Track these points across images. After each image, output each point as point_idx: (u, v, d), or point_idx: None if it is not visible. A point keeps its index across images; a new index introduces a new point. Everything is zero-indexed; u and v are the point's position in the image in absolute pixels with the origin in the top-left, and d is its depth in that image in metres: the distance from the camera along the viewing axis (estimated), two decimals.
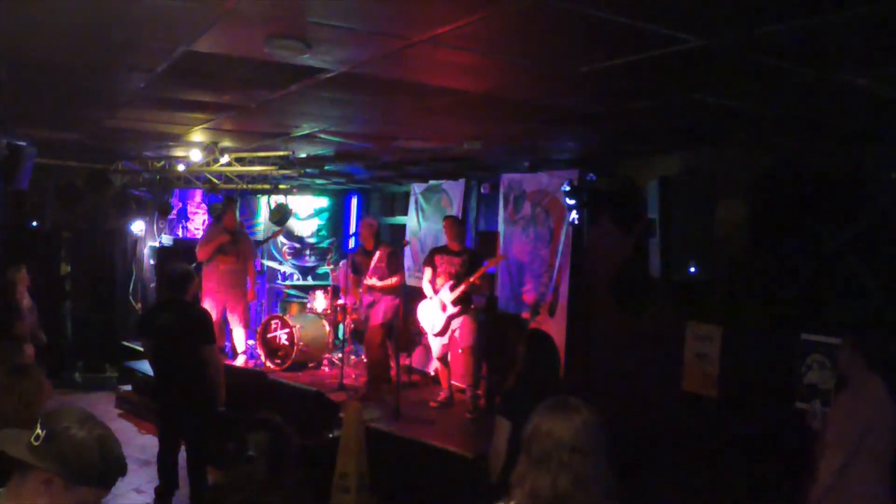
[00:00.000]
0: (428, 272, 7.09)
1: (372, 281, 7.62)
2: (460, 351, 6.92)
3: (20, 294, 6.92)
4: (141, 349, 9.19)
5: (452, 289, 6.81)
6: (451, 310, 6.85)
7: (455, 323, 6.88)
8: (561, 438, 1.94)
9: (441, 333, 6.94)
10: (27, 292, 7.04)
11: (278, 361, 8.47)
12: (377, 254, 7.64)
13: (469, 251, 7.11)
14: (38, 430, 1.86)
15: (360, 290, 7.87)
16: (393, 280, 7.48)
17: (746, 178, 5.30)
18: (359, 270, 7.86)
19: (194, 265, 8.57)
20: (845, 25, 2.65)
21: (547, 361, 3.99)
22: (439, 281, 6.94)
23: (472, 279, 6.74)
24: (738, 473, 5.05)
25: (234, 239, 8.46)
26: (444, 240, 7.26)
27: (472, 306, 7.09)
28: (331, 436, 6.06)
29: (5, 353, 6.23)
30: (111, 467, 1.93)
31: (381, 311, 7.54)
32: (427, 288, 7.07)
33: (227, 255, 8.41)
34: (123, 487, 1.81)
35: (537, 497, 1.92)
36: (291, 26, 3.00)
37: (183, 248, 9.53)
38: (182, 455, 5.55)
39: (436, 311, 6.95)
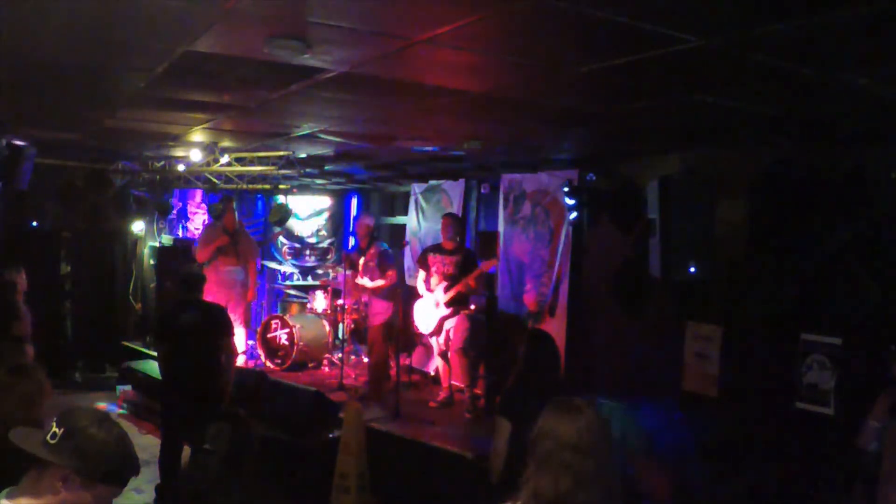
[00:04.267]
0: (422, 273, 7.09)
1: (363, 281, 7.63)
2: (454, 352, 6.91)
3: (20, 295, 6.90)
4: (144, 349, 9.24)
5: (446, 290, 6.80)
6: (445, 311, 6.84)
7: (448, 324, 6.87)
8: (562, 439, 1.95)
9: (434, 333, 6.95)
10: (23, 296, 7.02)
11: (278, 361, 8.47)
12: (367, 253, 7.65)
13: (464, 250, 7.07)
14: (55, 429, 1.90)
15: (358, 290, 7.89)
16: (383, 281, 7.48)
17: (746, 178, 5.29)
18: (354, 268, 7.88)
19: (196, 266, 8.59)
20: (845, 25, 2.65)
21: (547, 361, 3.98)
22: (433, 281, 6.93)
23: (464, 282, 6.74)
24: (738, 474, 5.05)
25: (233, 239, 8.45)
26: (441, 238, 7.25)
27: (471, 307, 7.08)
28: (331, 436, 6.06)
29: (5, 354, 6.21)
30: (127, 466, 1.98)
31: (380, 311, 7.54)
32: (421, 288, 7.08)
33: (228, 256, 8.40)
34: None
35: (540, 497, 1.93)
36: (291, 26, 3.00)
37: (183, 248, 9.52)
38: (183, 454, 5.56)
39: (429, 311, 6.96)
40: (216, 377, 5.54)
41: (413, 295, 7.49)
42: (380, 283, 7.48)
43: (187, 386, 5.49)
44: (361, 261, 7.67)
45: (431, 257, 7.01)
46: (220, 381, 5.56)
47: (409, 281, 8.32)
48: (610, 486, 1.95)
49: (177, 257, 9.08)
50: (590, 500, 1.90)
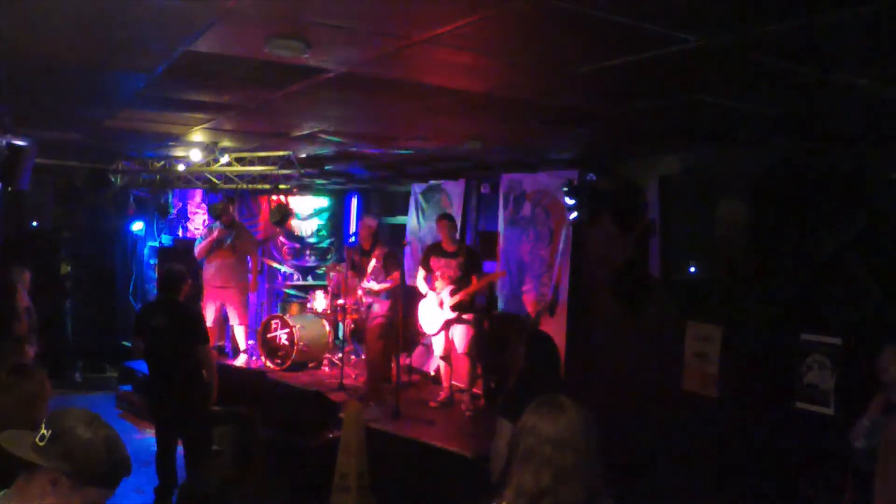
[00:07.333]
0: (422, 272, 7.09)
1: (370, 284, 7.63)
2: (460, 355, 6.91)
3: (20, 295, 6.91)
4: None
5: (452, 294, 6.78)
6: (450, 314, 6.82)
7: (453, 329, 6.85)
8: (543, 435, 1.96)
9: (437, 333, 6.93)
10: (27, 295, 7.04)
11: (278, 361, 8.47)
12: (371, 255, 7.64)
13: (465, 249, 7.06)
14: (44, 431, 1.87)
15: (361, 292, 7.87)
16: (389, 283, 7.48)
17: (746, 178, 5.30)
18: (356, 268, 7.87)
19: (199, 263, 8.60)
20: (845, 25, 2.65)
21: (548, 362, 3.98)
22: (438, 284, 6.93)
23: (472, 289, 6.74)
24: (737, 473, 5.05)
25: (230, 234, 8.46)
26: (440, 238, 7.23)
27: (474, 308, 7.06)
28: (331, 436, 6.05)
29: (6, 353, 6.22)
30: (117, 467, 1.94)
31: (381, 312, 7.53)
32: (422, 286, 7.08)
33: (224, 250, 8.42)
34: (124, 487, 1.82)
35: (522, 493, 1.94)
36: (291, 26, 3.00)
37: (183, 248, 9.52)
38: (180, 454, 5.56)
39: (433, 312, 6.95)
40: (195, 378, 5.48)
41: (413, 294, 7.49)
42: (386, 285, 7.48)
43: (168, 386, 5.47)
44: (370, 265, 7.65)
45: (434, 260, 6.99)
46: (202, 382, 5.50)
47: (409, 281, 8.31)
48: (591, 482, 1.95)
49: (177, 257, 9.07)
50: (570, 494, 1.91)
